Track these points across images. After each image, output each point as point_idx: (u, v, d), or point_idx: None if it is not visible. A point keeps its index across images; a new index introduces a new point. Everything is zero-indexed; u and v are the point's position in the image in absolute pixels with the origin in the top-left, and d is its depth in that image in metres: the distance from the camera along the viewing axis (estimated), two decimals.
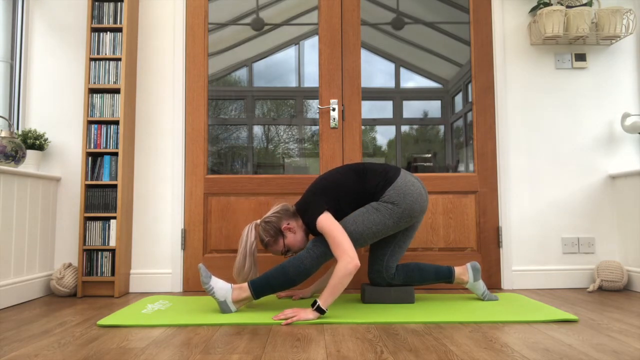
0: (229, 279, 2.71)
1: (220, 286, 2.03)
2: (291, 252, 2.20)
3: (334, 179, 2.17)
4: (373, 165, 2.22)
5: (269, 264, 2.72)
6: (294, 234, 2.16)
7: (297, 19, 2.90)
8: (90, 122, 2.61)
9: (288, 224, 2.16)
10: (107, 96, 2.63)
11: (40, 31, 2.80)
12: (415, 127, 2.90)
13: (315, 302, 1.94)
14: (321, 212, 2.05)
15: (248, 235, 2.12)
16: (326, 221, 2.02)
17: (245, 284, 2.05)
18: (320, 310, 1.92)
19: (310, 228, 2.10)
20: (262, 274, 2.07)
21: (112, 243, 2.54)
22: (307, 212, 2.10)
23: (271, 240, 2.15)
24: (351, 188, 2.15)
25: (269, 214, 2.18)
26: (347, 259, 1.93)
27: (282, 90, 2.88)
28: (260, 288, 2.03)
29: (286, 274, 2.02)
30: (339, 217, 2.17)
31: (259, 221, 2.18)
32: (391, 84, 2.90)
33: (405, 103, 2.90)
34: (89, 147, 2.59)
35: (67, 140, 2.76)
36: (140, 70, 2.80)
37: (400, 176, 2.17)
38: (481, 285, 2.31)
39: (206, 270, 2.04)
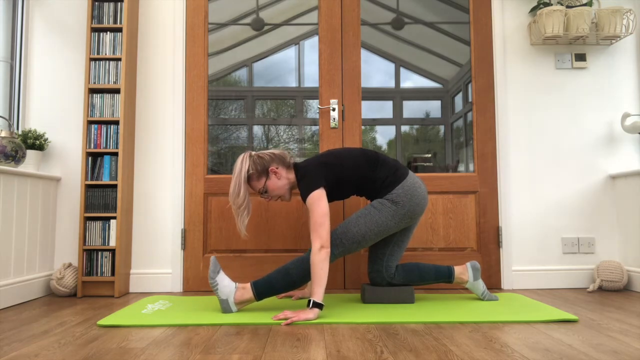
0: (231, 278, 2.70)
1: (226, 284, 2.04)
2: (267, 195, 2.20)
3: (343, 161, 2.17)
4: (386, 158, 2.23)
5: (270, 265, 2.72)
6: (277, 180, 2.17)
7: (297, 19, 2.90)
8: (90, 122, 2.61)
9: (277, 168, 2.17)
10: (107, 96, 2.63)
11: (40, 31, 2.80)
12: (415, 127, 2.90)
13: (309, 301, 1.95)
14: (317, 188, 2.05)
15: (243, 163, 2.13)
16: (317, 199, 2.03)
17: (249, 285, 2.05)
18: (317, 305, 1.93)
19: (301, 196, 2.12)
20: (265, 276, 2.08)
21: (112, 243, 2.54)
22: (303, 179, 2.09)
23: (255, 174, 2.15)
24: (356, 173, 2.16)
25: (266, 151, 2.21)
26: (318, 245, 1.96)
27: (282, 90, 2.88)
28: (263, 289, 2.04)
29: (289, 276, 2.03)
30: (334, 195, 2.20)
31: (253, 153, 2.19)
32: (391, 84, 2.90)
33: (405, 103, 2.90)
34: (89, 147, 2.59)
35: (67, 140, 2.76)
36: (140, 70, 2.80)
37: (409, 176, 2.19)
38: (481, 285, 2.31)
39: (216, 264, 2.05)
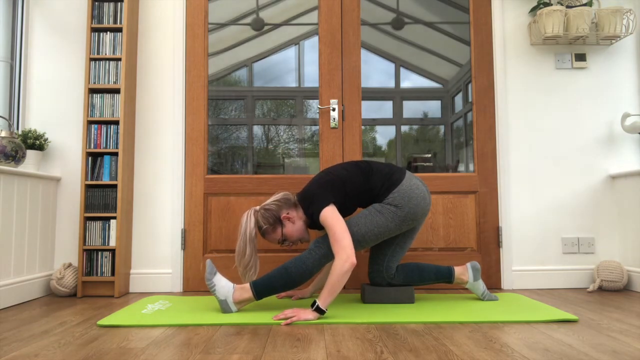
0: (229, 279, 2.71)
1: (223, 284, 2.03)
2: (288, 242, 2.18)
3: (340, 174, 2.14)
4: (379, 165, 2.21)
5: (270, 264, 2.72)
6: (293, 224, 2.14)
7: (297, 19, 2.90)
8: (90, 122, 2.61)
9: (287, 214, 2.13)
10: (107, 96, 2.63)
11: (40, 31, 2.80)
12: (415, 127, 2.90)
13: (314, 302, 1.94)
14: (327, 205, 2.02)
15: (248, 221, 2.08)
16: (330, 214, 2.00)
17: (247, 285, 2.05)
18: (319, 311, 1.92)
19: (313, 220, 2.08)
20: (264, 275, 2.07)
21: (112, 243, 2.54)
22: (312, 203, 2.07)
23: (269, 228, 2.12)
24: (356, 185, 2.14)
25: (269, 201, 2.16)
26: (344, 256, 1.92)
27: (282, 90, 2.88)
28: (262, 289, 2.03)
29: (288, 275, 2.02)
30: (342, 213, 2.17)
31: (258, 207, 2.15)
32: (391, 84, 2.90)
33: (405, 103, 2.90)
34: (89, 147, 2.59)
35: (67, 140, 2.76)
36: (140, 70, 2.80)
37: (405, 179, 2.16)
38: (481, 285, 2.31)
39: (212, 266, 2.03)
